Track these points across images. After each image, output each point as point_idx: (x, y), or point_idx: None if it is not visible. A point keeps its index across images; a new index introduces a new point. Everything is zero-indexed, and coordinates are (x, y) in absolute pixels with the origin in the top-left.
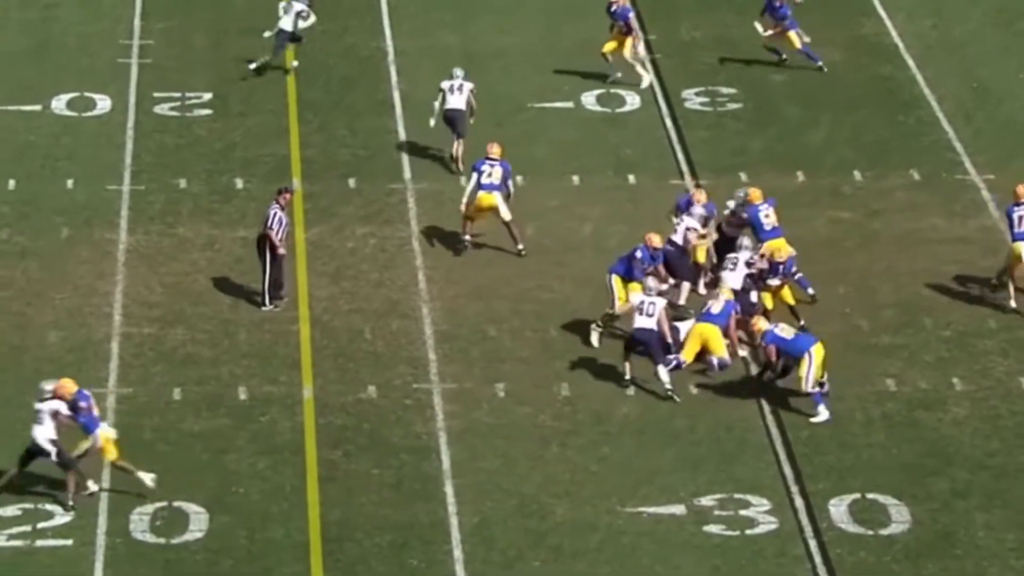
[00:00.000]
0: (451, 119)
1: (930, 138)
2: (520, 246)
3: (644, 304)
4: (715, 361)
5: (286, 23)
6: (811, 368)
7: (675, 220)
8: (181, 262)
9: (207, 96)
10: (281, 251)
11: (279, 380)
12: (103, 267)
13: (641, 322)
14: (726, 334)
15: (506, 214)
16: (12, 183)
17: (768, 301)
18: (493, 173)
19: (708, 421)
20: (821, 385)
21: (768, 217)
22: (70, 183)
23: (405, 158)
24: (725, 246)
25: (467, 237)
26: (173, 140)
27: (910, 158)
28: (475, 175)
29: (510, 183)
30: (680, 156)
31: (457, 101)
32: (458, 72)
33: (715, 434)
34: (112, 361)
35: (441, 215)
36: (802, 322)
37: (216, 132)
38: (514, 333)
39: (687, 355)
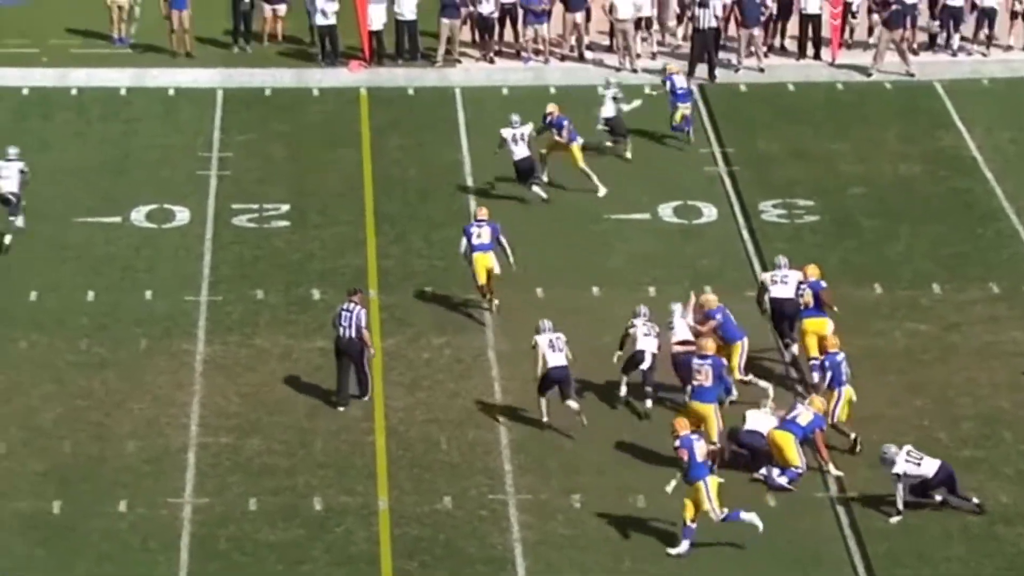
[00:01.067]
0: (522, 169)
1: (1009, 251)
2: (496, 302)
3: (553, 341)
4: (781, 476)
5: (607, 110)
6: (710, 498)
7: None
8: (258, 372)
9: (285, 208)
10: (372, 350)
11: (355, 490)
12: (181, 377)
13: (555, 360)
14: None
15: (496, 274)
16: (91, 294)
17: (816, 403)
18: (482, 234)
19: (785, 532)
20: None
21: (802, 297)
22: (149, 294)
23: None
24: (778, 318)
25: (494, 303)
26: (251, 251)
27: (989, 271)
28: (465, 238)
29: (503, 240)
30: (757, 268)
31: (522, 151)
32: (515, 119)
33: (792, 545)
34: (189, 471)
35: (516, 326)
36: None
37: (294, 244)
38: (589, 443)
39: (794, 461)
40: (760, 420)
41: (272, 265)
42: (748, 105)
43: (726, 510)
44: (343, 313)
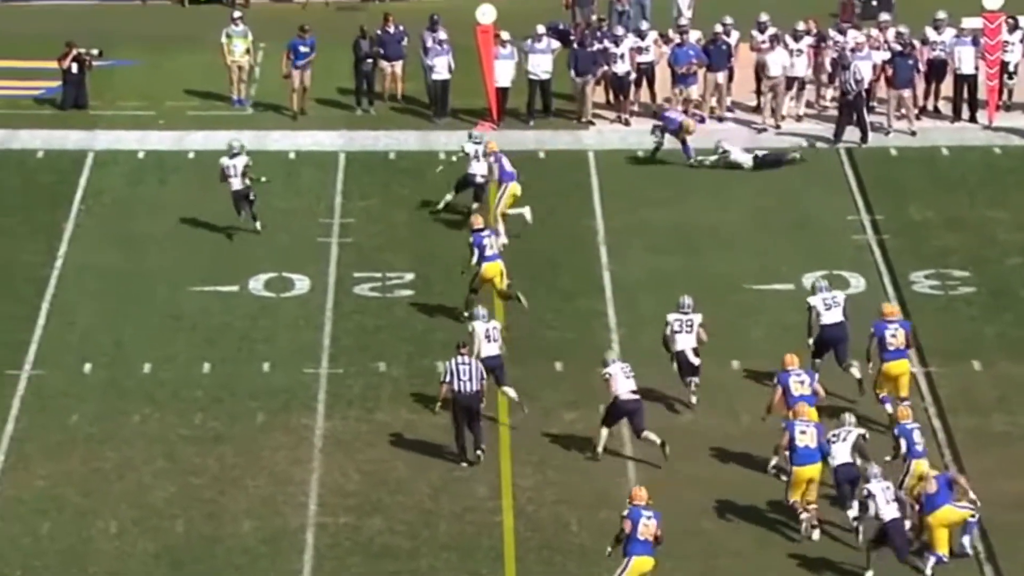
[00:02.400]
0: (472, 183)
1: None
2: (525, 302)
3: (489, 331)
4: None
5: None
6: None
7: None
8: (379, 448)
9: (408, 276)
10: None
11: (480, 573)
12: (299, 453)
13: (489, 349)
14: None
15: (504, 281)
16: (207, 366)
17: (921, 468)
18: (493, 244)
19: None
20: None
21: (895, 337)
22: (266, 366)
23: (615, 341)
24: (826, 344)
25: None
26: (373, 321)
27: None
28: (477, 249)
29: None
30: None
31: (481, 168)
32: (476, 133)
33: None
34: (307, 552)
35: (652, 404)
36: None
37: (417, 313)
38: (729, 526)
39: (942, 548)
40: (845, 450)
41: (395, 336)
42: (899, 170)
43: None
44: (461, 368)
